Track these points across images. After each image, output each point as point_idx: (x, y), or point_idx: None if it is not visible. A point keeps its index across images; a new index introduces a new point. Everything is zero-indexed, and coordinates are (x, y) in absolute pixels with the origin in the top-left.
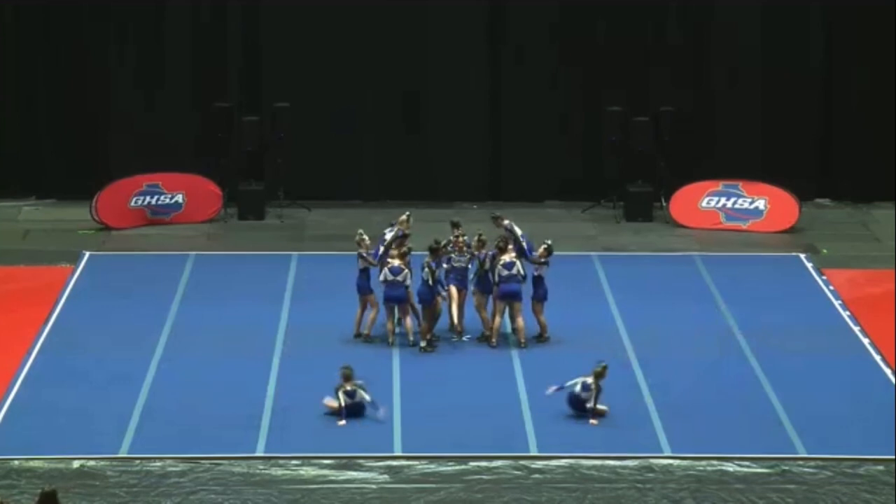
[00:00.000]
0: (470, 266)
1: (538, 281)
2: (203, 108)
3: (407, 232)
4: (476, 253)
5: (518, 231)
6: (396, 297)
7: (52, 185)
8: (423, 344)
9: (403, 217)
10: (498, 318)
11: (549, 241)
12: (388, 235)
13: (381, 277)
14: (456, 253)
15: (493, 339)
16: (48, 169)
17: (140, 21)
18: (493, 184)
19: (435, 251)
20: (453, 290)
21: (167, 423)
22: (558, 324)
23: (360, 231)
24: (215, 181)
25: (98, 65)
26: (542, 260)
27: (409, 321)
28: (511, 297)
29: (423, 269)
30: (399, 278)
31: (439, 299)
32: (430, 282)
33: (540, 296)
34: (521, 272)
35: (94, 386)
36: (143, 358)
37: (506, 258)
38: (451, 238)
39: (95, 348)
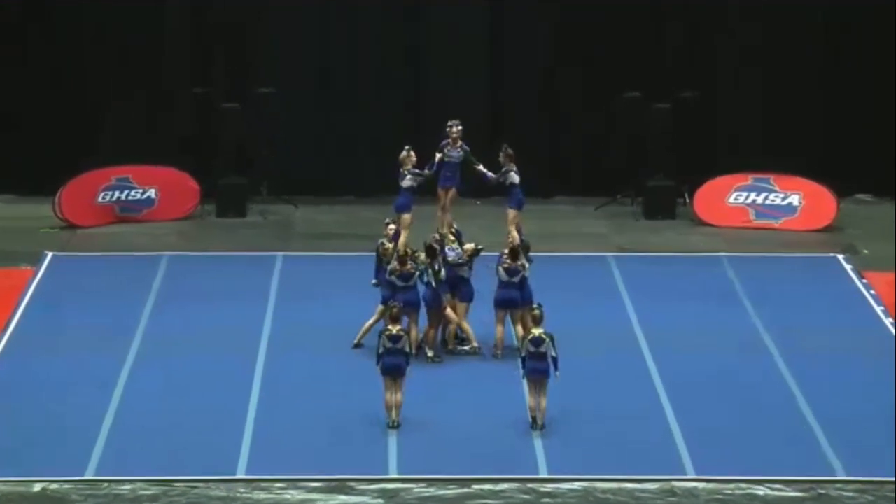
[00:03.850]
0: (456, 256)
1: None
2: (179, 94)
3: (408, 167)
4: (463, 258)
5: (514, 178)
6: (408, 303)
7: (10, 178)
8: (430, 353)
9: (404, 153)
10: (500, 327)
11: (481, 246)
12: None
13: (388, 272)
14: (449, 147)
15: (499, 350)
16: (7, 161)
17: None
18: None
19: (433, 251)
20: (441, 192)
21: (138, 441)
22: (570, 329)
23: (382, 241)
24: (192, 175)
25: (62, 46)
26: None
27: (415, 332)
28: (510, 305)
29: (426, 271)
30: (411, 283)
31: (446, 304)
32: (434, 284)
33: (464, 297)
34: (525, 274)
35: (57, 400)
36: (111, 369)
37: (513, 264)
38: (446, 132)
39: (59, 359)
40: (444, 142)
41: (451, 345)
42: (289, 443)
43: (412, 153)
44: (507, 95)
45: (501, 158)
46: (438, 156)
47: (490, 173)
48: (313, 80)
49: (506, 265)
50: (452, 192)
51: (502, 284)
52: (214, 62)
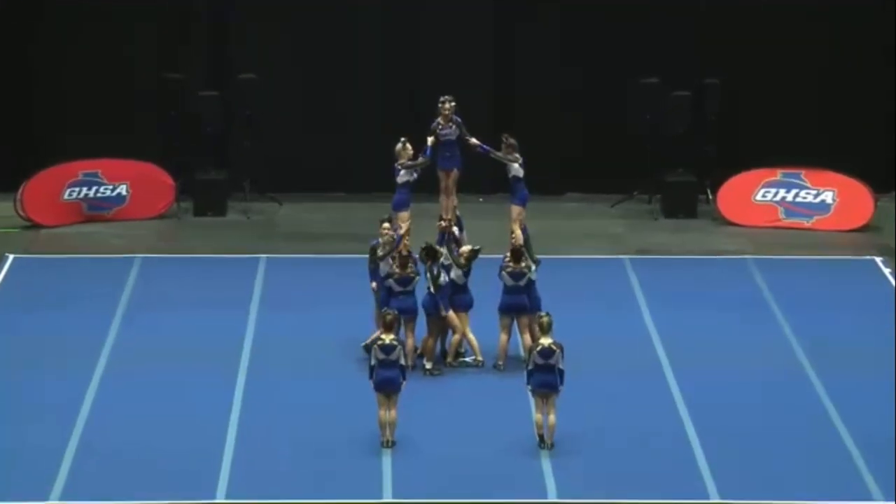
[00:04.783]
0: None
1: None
2: (153, 80)
3: (407, 163)
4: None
5: (518, 170)
6: (405, 310)
7: None
8: (428, 366)
9: (399, 146)
10: (504, 336)
11: (479, 247)
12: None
13: (383, 273)
14: (440, 125)
15: (501, 362)
16: None
17: None
18: (501, 172)
19: (433, 253)
20: (441, 174)
21: (108, 461)
22: (582, 340)
23: (377, 241)
24: (166, 169)
25: (24, 27)
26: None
27: (412, 341)
28: (517, 311)
29: (425, 275)
30: (409, 288)
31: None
32: (433, 289)
33: (461, 305)
34: (532, 277)
35: (19, 417)
36: (79, 382)
37: (516, 266)
38: (438, 109)
39: (21, 371)
40: (434, 122)
41: (450, 357)
42: (273, 463)
43: (408, 146)
44: (513, 86)
45: (503, 150)
46: (431, 139)
47: (487, 147)
48: (302, 68)
49: (509, 269)
50: (455, 173)
51: (507, 289)
52: (193, 48)
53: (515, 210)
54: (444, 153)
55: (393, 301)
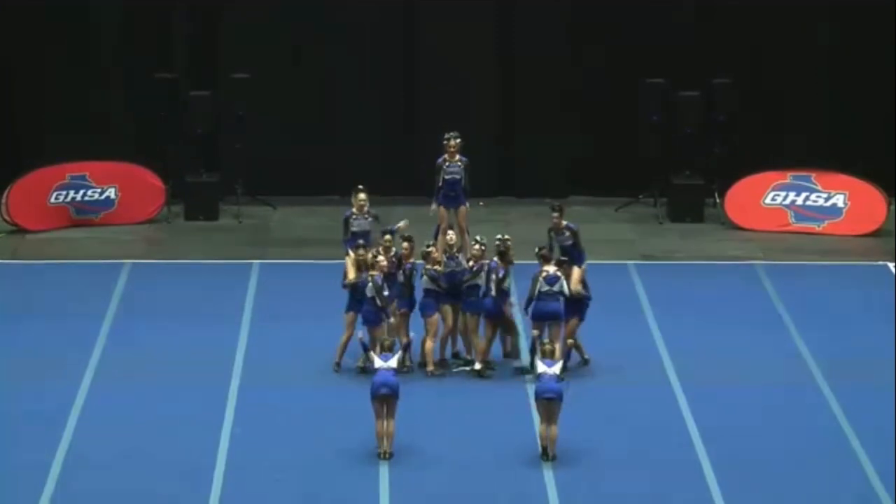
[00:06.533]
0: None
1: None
2: (142, 79)
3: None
4: (475, 262)
5: (567, 242)
6: (366, 318)
7: None
8: (430, 368)
9: (401, 224)
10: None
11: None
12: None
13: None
14: (447, 161)
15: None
16: None
17: None
18: (504, 175)
19: (505, 255)
20: (442, 210)
21: (95, 476)
22: (586, 346)
23: (374, 250)
24: (156, 172)
25: (4, 27)
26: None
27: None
28: (551, 318)
29: (421, 277)
30: (370, 295)
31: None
32: (494, 292)
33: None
34: (566, 289)
35: (3, 428)
36: (65, 393)
37: (549, 270)
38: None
39: (6, 381)
40: (440, 158)
41: (434, 366)
42: (267, 475)
43: (360, 195)
44: (521, 63)
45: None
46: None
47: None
48: (296, 67)
49: (542, 273)
50: (463, 209)
51: (541, 295)
52: (182, 46)
53: (577, 272)
54: (448, 193)
55: (355, 305)
